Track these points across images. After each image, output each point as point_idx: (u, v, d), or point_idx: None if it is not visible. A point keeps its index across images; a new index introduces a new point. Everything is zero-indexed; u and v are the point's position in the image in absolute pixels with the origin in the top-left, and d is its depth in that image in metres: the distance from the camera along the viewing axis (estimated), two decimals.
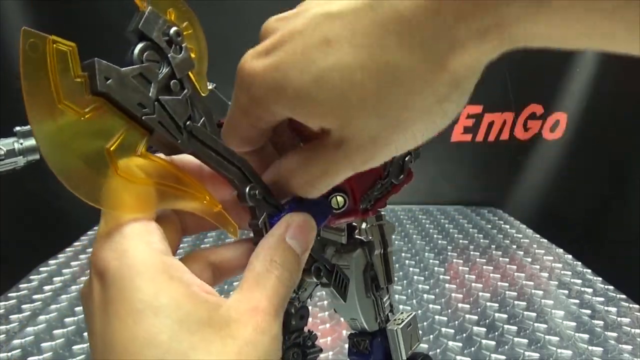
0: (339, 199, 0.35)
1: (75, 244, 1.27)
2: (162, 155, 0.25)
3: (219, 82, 0.53)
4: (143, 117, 0.23)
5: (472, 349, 0.82)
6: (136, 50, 0.23)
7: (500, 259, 1.15)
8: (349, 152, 0.25)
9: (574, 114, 1.40)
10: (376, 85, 0.22)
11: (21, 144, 0.48)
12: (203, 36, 0.27)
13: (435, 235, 1.30)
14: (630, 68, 1.32)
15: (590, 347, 0.81)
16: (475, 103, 1.42)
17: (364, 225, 0.45)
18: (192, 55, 0.26)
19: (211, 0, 0.35)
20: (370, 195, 0.37)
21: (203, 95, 0.26)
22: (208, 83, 0.28)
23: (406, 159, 0.39)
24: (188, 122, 0.25)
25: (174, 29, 0.24)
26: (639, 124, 1.27)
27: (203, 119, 0.26)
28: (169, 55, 0.24)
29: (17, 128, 0.48)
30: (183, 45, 0.25)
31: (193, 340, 0.21)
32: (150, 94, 0.23)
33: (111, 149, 0.22)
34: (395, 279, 1.12)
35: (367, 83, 0.22)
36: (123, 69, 0.22)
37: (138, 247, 0.22)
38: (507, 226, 1.36)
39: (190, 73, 0.25)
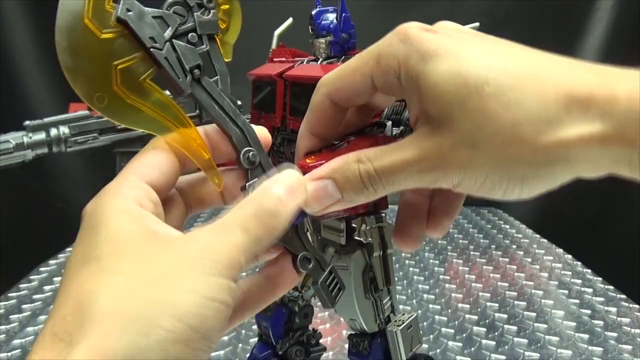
0: None
1: None
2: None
3: None
4: (151, 49, 0.27)
5: (472, 349, 0.82)
6: (167, 1, 0.28)
7: (500, 259, 1.15)
8: (441, 142, 0.25)
9: None
10: (502, 106, 0.24)
11: (30, 137, 0.49)
12: (239, 13, 0.32)
13: None
14: (629, 68, 1.32)
15: (590, 347, 0.81)
16: None
17: (363, 227, 0.45)
18: (222, 26, 0.30)
19: None
20: None
21: (227, 60, 0.30)
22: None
23: None
24: (196, 70, 0.28)
25: None
26: None
27: (217, 77, 0.29)
28: (195, 14, 0.28)
29: (27, 122, 0.49)
30: (212, 10, 0.29)
31: (110, 258, 0.23)
32: (165, 34, 0.27)
33: (118, 66, 0.26)
34: (396, 279, 1.12)
35: (500, 96, 0.24)
36: (146, 8, 0.27)
37: (111, 195, 0.26)
38: (507, 226, 1.36)
39: (217, 39, 0.29)
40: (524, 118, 0.23)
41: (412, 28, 0.27)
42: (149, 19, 0.27)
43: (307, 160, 0.31)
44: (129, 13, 0.26)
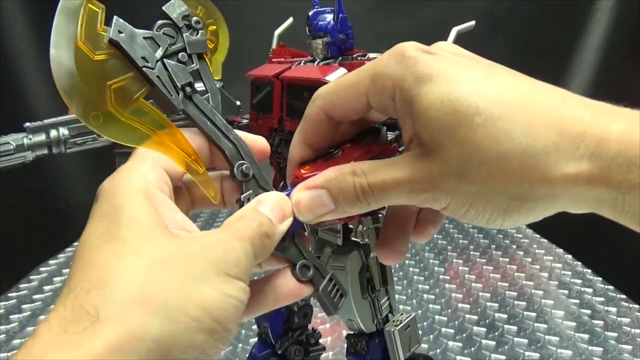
0: None
1: (75, 244, 1.26)
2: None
3: (224, 82, 0.53)
4: (143, 68, 0.28)
5: (472, 349, 0.82)
6: (156, 24, 0.29)
7: (500, 259, 1.15)
8: (431, 168, 0.25)
9: None
10: (491, 137, 0.24)
11: (30, 139, 0.49)
12: (226, 33, 0.33)
13: (435, 235, 1.30)
14: (630, 68, 1.32)
15: (590, 347, 0.81)
16: None
17: (360, 228, 0.45)
18: (210, 46, 0.31)
19: (213, 2, 0.37)
20: None
21: (217, 78, 0.31)
22: (216, 82, 0.32)
23: None
24: (187, 88, 0.29)
25: (195, 18, 0.30)
26: None
27: (208, 94, 0.30)
28: (184, 34, 0.30)
29: (27, 124, 0.50)
30: (200, 31, 0.30)
31: (136, 241, 0.24)
32: (156, 54, 0.28)
33: (112, 86, 0.27)
34: (396, 279, 1.12)
35: (490, 127, 0.24)
36: (137, 29, 0.28)
37: (129, 174, 0.26)
38: None
39: (206, 58, 0.31)
40: (511, 151, 0.23)
41: (410, 49, 0.27)
42: (140, 40, 0.28)
43: (302, 171, 0.31)
44: (121, 35, 0.27)
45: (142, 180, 0.26)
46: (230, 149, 0.30)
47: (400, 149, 0.36)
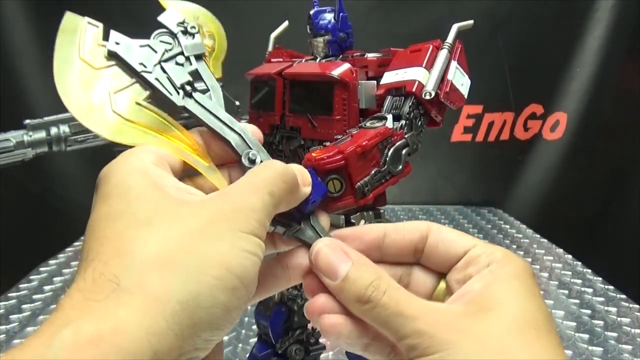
0: (336, 182, 0.35)
1: (76, 244, 1.27)
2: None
3: (224, 82, 0.54)
4: (142, 73, 0.29)
5: None
6: (153, 33, 0.31)
7: None
8: None
9: (574, 114, 1.40)
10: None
11: (30, 136, 0.50)
12: (223, 35, 0.35)
13: None
14: (630, 68, 1.32)
15: (590, 347, 0.81)
16: (476, 103, 1.42)
17: (362, 223, 0.45)
18: (208, 49, 0.33)
19: (213, 1, 0.37)
20: (368, 182, 0.37)
21: (217, 77, 0.33)
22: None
23: (404, 151, 0.40)
24: (187, 86, 0.30)
25: (191, 23, 0.32)
26: (639, 124, 1.27)
27: (210, 92, 0.32)
28: (180, 39, 0.31)
29: (27, 121, 0.50)
30: (196, 35, 0.32)
31: (147, 213, 0.24)
32: (153, 59, 0.30)
33: (114, 92, 0.29)
34: None
35: None
36: (133, 39, 0.30)
37: (126, 158, 0.27)
38: (507, 226, 1.36)
39: (205, 59, 0.32)
40: None
41: None
42: (136, 48, 0.30)
43: (313, 154, 0.33)
44: (118, 45, 0.29)
45: (139, 160, 0.26)
46: (236, 139, 0.31)
47: (406, 136, 0.39)
